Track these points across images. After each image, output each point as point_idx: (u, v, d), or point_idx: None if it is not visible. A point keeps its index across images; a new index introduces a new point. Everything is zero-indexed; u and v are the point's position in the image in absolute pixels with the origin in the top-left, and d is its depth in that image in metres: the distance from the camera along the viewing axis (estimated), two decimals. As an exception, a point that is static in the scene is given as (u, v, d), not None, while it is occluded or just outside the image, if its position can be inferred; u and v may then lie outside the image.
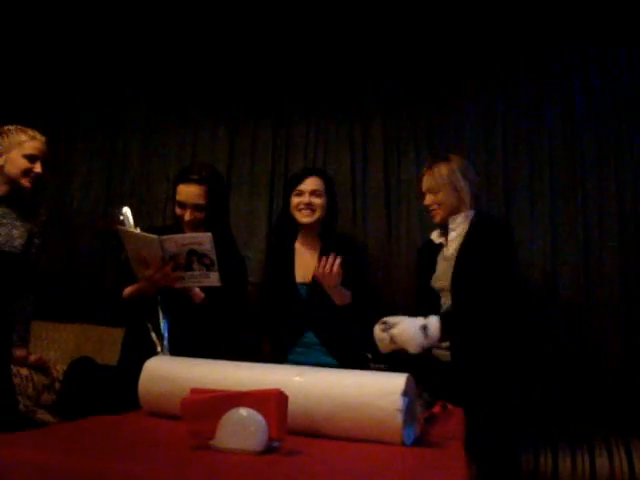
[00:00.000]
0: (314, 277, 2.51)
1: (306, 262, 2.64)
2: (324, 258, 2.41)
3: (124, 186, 3.82)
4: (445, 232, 2.53)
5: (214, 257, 2.09)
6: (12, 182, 2.48)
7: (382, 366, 2.00)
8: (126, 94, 3.88)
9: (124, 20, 3.84)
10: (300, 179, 2.68)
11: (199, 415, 1.14)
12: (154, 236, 2.10)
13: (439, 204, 2.48)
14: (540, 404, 2.77)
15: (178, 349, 2.01)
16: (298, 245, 2.72)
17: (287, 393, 1.17)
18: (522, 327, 2.40)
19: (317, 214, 2.63)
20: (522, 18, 3.35)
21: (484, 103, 3.35)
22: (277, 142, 3.58)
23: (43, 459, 1.00)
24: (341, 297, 2.52)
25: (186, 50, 3.77)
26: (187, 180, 2.41)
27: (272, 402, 1.12)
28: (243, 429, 1.10)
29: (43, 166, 2.52)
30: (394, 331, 2.16)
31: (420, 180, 2.57)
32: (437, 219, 2.52)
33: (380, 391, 1.25)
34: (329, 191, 2.70)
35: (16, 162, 2.45)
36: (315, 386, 1.32)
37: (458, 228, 2.46)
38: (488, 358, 2.29)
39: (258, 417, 1.10)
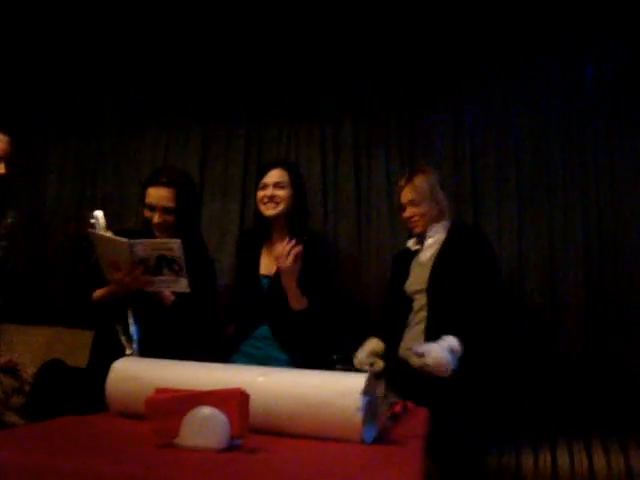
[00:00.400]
0: (277, 270, 2.50)
1: (272, 256, 2.61)
2: (287, 239, 2.42)
3: (97, 189, 3.82)
4: (421, 240, 2.60)
5: (183, 263, 2.10)
6: None
7: (348, 367, 2.04)
8: (99, 97, 3.88)
9: (96, 24, 3.84)
10: (264, 172, 2.67)
11: (163, 414, 1.17)
12: (124, 240, 2.12)
13: (421, 215, 2.56)
14: (506, 404, 2.83)
15: (147, 351, 2.02)
16: (272, 239, 2.68)
17: (250, 393, 1.21)
18: (499, 330, 2.47)
19: (281, 206, 2.59)
20: (489, 26, 3.42)
21: (453, 107, 3.41)
22: (250, 145, 3.60)
23: (5, 458, 1.02)
24: (297, 299, 2.48)
25: (159, 54, 3.78)
26: (156, 183, 2.42)
27: (234, 401, 1.15)
28: (206, 427, 1.13)
29: (8, 166, 2.47)
30: (429, 361, 2.17)
31: (399, 192, 2.63)
32: (418, 230, 2.59)
33: (341, 390, 1.29)
34: (295, 182, 2.66)
35: None
36: (277, 386, 1.35)
37: (436, 235, 2.55)
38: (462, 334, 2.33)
39: (220, 415, 1.14)
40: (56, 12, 3.83)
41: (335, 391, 1.29)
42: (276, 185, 2.60)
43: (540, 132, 3.31)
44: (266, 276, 2.62)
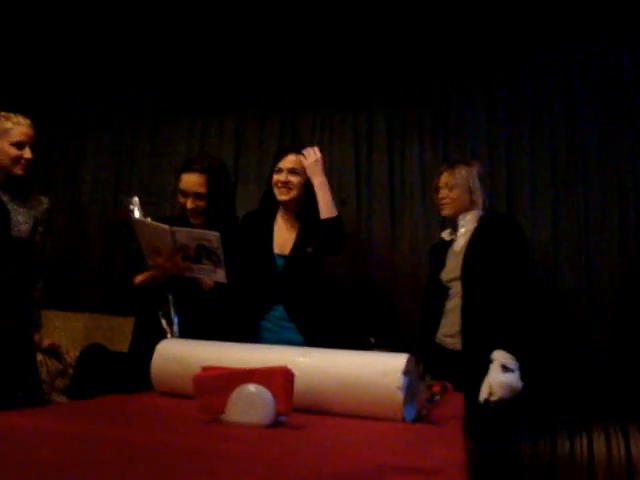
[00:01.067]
0: (294, 247, 2.56)
1: (284, 237, 2.64)
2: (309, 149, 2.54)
3: (133, 179, 3.90)
4: (455, 230, 2.65)
5: (221, 255, 2.15)
6: (4, 171, 2.50)
7: (386, 350, 2.06)
8: (134, 88, 3.95)
9: (132, 15, 3.89)
10: (280, 156, 2.68)
11: (210, 391, 1.20)
12: (166, 226, 2.16)
13: (452, 199, 2.64)
14: (542, 391, 2.83)
15: (188, 335, 2.06)
16: (278, 221, 2.70)
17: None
18: (532, 316, 2.47)
19: (293, 192, 2.60)
20: (528, 13, 3.39)
21: (487, 95, 3.41)
22: (284, 134, 3.63)
23: (52, 427, 1.06)
24: (328, 204, 2.55)
25: (192, 44, 3.83)
26: (189, 169, 2.48)
27: (279, 378, 1.18)
28: (252, 404, 1.16)
29: (32, 150, 2.51)
30: (499, 395, 2.16)
31: (439, 176, 2.73)
32: (445, 212, 2.67)
33: (382, 370, 1.31)
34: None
35: (5, 151, 2.46)
36: (319, 365, 1.38)
37: (467, 225, 2.59)
38: (503, 341, 2.35)
39: (266, 393, 1.16)
40: (95, 6, 3.89)
41: (376, 370, 1.31)
42: (291, 171, 2.61)
43: (575, 119, 3.29)
44: (280, 255, 2.62)
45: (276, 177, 2.63)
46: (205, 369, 1.26)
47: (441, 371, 2.26)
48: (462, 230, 2.62)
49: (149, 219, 2.23)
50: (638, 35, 3.29)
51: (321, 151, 3.48)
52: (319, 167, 2.56)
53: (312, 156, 2.56)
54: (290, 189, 2.60)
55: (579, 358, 3.04)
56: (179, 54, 3.87)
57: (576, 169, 3.26)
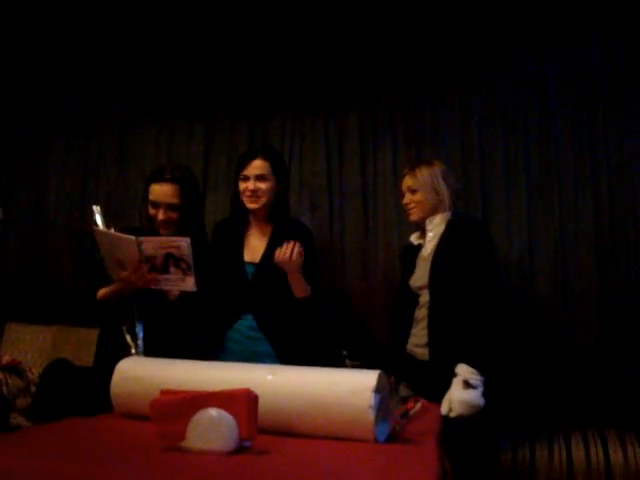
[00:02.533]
0: (264, 256, 2.48)
1: (255, 245, 2.55)
2: (285, 243, 2.34)
3: (100, 187, 3.78)
4: (423, 234, 2.58)
5: (191, 261, 2.07)
6: None
7: (357, 363, 2.00)
8: (100, 92, 3.84)
9: (99, 18, 3.80)
10: (245, 162, 2.54)
11: (169, 416, 1.13)
12: (132, 237, 2.08)
13: (417, 203, 2.55)
14: (518, 397, 2.80)
15: (153, 350, 1.99)
16: (249, 228, 2.60)
17: (259, 392, 1.17)
18: (502, 322, 2.42)
19: (263, 200, 2.49)
20: (494, 17, 3.36)
21: (461, 99, 3.35)
22: (254, 138, 3.55)
23: (11, 462, 0.99)
24: (302, 287, 2.44)
25: (160, 48, 3.73)
26: (160, 179, 2.38)
27: (242, 402, 1.12)
28: (213, 430, 1.10)
29: None
30: (458, 412, 2.07)
31: (402, 179, 2.65)
32: (413, 217, 2.59)
33: (352, 388, 1.25)
34: (277, 172, 2.54)
35: None
36: (286, 384, 1.32)
37: (435, 229, 2.51)
38: (467, 354, 2.31)
39: (228, 417, 1.10)
40: (58, 9, 3.79)
41: (346, 389, 1.25)
42: (258, 178, 2.48)
43: (549, 121, 3.25)
44: (251, 263, 2.53)
45: (243, 185, 2.51)
46: (164, 392, 1.19)
47: (412, 382, 2.22)
48: (430, 234, 2.53)
49: (112, 230, 2.14)
50: (608, 34, 3.27)
51: (292, 155, 3.48)
52: (296, 266, 2.37)
53: (289, 254, 2.33)
54: (259, 197, 2.49)
55: (557, 365, 3.00)
56: (146, 57, 3.77)
57: (550, 174, 3.21)
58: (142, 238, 2.09)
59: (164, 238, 2.21)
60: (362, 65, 3.46)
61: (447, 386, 2.16)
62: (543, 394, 2.91)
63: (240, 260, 2.53)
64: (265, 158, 2.53)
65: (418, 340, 2.41)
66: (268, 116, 3.55)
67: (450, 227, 2.48)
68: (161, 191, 2.37)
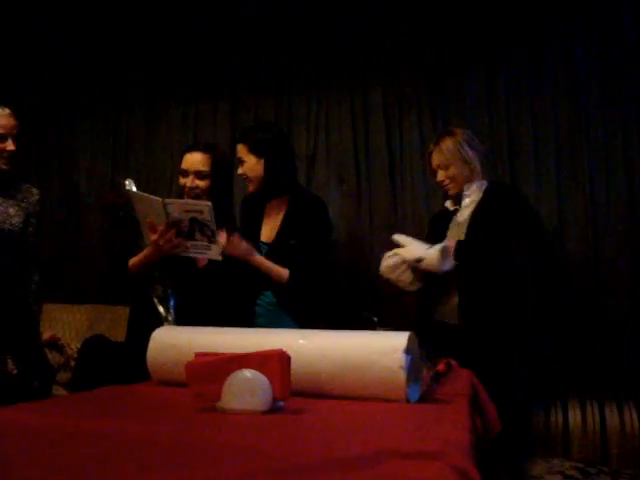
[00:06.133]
0: (277, 235, 2.47)
1: (270, 224, 2.53)
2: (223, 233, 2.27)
3: (129, 165, 3.85)
4: (459, 200, 2.56)
5: (214, 228, 2.08)
6: None
7: (389, 329, 2.01)
8: (127, 73, 3.89)
9: (118, 2, 3.82)
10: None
11: (204, 378, 1.16)
12: (158, 198, 2.11)
13: (452, 178, 2.51)
14: (549, 359, 2.79)
15: (185, 319, 2.02)
16: (268, 207, 2.58)
17: (292, 355, 1.19)
18: (536, 285, 2.42)
19: (252, 183, 2.46)
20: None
21: (486, 64, 3.32)
22: (279, 113, 3.56)
23: (53, 422, 1.03)
24: (270, 272, 2.38)
25: (184, 27, 3.75)
26: (193, 149, 2.42)
27: (275, 362, 1.14)
28: (247, 390, 1.12)
29: (14, 142, 2.39)
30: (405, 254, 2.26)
31: (429, 158, 2.60)
32: (452, 192, 2.57)
33: (382, 349, 1.27)
34: (255, 149, 2.44)
35: None
36: (319, 347, 1.34)
37: (472, 195, 2.51)
38: (498, 318, 2.32)
39: (262, 378, 1.12)
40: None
41: (377, 350, 1.27)
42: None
43: (577, 87, 3.20)
44: (265, 242, 2.52)
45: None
46: (198, 355, 1.22)
47: (443, 348, 2.23)
48: (467, 200, 2.52)
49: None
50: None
51: (317, 132, 3.46)
52: (248, 250, 2.33)
53: (238, 244, 2.30)
54: (250, 182, 2.46)
55: (588, 331, 2.98)
56: (170, 39, 3.79)
57: (580, 137, 3.17)
58: (168, 200, 2.12)
59: (189, 200, 2.25)
60: (383, 34, 3.44)
61: (478, 351, 2.18)
62: (574, 359, 2.89)
63: (257, 239, 2.52)
64: (240, 141, 2.50)
65: (446, 305, 2.42)
66: (293, 92, 3.56)
67: (487, 195, 2.48)
68: (192, 159, 2.39)
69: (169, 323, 2.03)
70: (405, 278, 2.43)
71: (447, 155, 2.49)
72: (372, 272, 3.26)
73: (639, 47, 3.16)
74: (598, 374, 2.83)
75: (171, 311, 2.06)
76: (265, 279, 2.42)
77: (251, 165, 2.46)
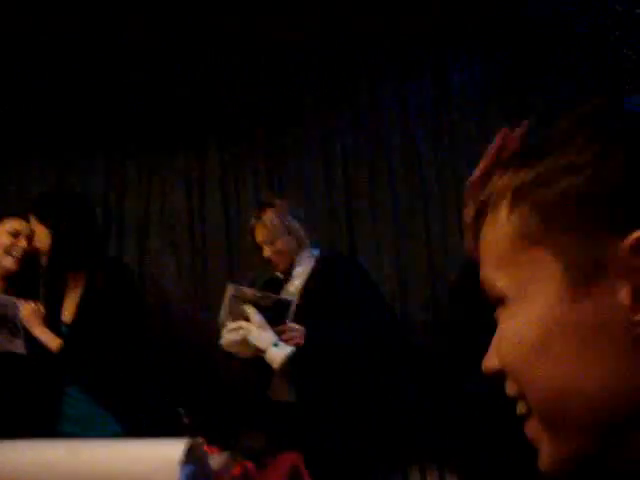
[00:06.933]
0: (76, 315, 2.27)
1: (70, 300, 2.32)
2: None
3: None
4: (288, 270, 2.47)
5: (19, 324, 2.00)
6: None
7: (197, 420, 1.87)
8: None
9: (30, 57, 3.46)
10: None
11: None
12: None
13: (280, 253, 2.38)
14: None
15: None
16: (70, 280, 2.36)
17: (55, 475, 1.02)
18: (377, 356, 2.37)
19: (43, 257, 2.30)
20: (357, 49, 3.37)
21: (322, 124, 3.33)
22: (110, 182, 3.36)
23: None
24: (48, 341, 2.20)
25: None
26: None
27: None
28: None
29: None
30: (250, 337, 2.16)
31: (252, 232, 2.45)
32: (281, 268, 2.43)
33: (154, 465, 1.12)
34: (41, 218, 2.29)
35: None
36: (84, 465, 1.16)
37: (304, 262, 2.40)
38: (334, 395, 2.25)
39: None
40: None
41: (148, 466, 1.12)
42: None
43: (411, 144, 3.28)
44: (65, 323, 2.29)
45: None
46: None
47: (275, 428, 2.13)
48: (299, 270, 2.42)
49: None
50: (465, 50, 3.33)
51: (150, 198, 3.29)
52: (36, 318, 2.19)
53: (27, 309, 2.18)
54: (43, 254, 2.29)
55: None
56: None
57: (417, 199, 3.24)
58: None
59: None
60: (221, 102, 3.36)
61: (312, 429, 2.09)
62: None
63: (57, 321, 2.29)
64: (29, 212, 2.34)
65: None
66: (124, 157, 3.38)
67: (320, 264, 2.40)
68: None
69: None
70: (246, 353, 2.29)
71: (271, 229, 2.36)
72: (206, 338, 3.08)
73: (468, 100, 3.28)
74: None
75: None
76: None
77: (41, 237, 2.27)
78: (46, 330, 2.19)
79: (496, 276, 0.55)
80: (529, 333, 0.51)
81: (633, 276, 0.45)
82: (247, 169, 3.31)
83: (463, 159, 3.22)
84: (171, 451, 1.14)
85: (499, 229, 0.55)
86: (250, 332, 2.21)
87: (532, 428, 0.53)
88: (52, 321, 2.24)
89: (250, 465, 1.37)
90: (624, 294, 0.45)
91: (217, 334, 2.32)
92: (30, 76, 3.36)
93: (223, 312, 2.31)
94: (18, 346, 2.04)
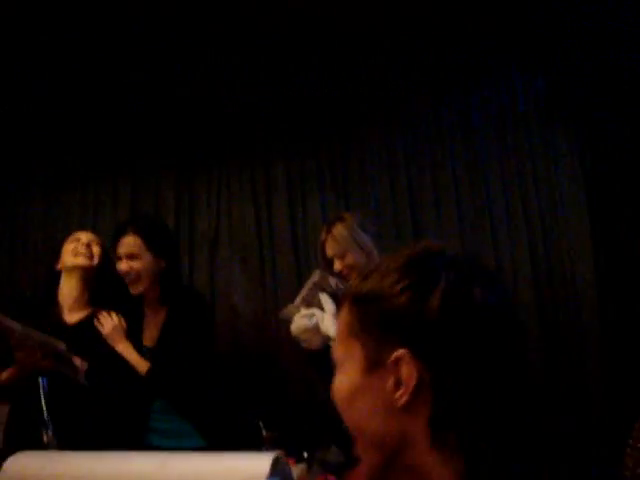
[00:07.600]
0: (158, 340, 2.34)
1: (151, 327, 2.39)
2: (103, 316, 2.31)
3: (28, 252, 3.66)
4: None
5: (72, 361, 2.08)
6: None
7: (275, 434, 1.90)
8: (25, 157, 3.74)
9: (18, 80, 3.68)
10: (115, 240, 2.35)
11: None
12: (18, 327, 2.00)
13: (350, 267, 2.38)
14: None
15: (65, 433, 1.87)
16: (146, 308, 2.42)
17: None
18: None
19: (143, 282, 2.30)
20: (419, 55, 3.35)
21: (385, 136, 3.33)
22: (180, 193, 3.48)
23: None
24: (135, 362, 2.28)
25: (80, 106, 3.64)
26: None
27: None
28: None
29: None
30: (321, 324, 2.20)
31: (322, 246, 2.46)
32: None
33: (241, 476, 1.16)
34: (153, 245, 2.32)
35: None
36: (176, 475, 1.21)
37: None
38: None
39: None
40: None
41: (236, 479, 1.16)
42: (129, 256, 2.29)
43: (475, 156, 3.24)
44: (147, 347, 2.36)
45: (118, 266, 2.32)
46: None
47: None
48: None
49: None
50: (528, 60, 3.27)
51: (219, 210, 3.38)
52: (119, 334, 2.29)
53: (109, 323, 2.29)
54: (136, 280, 2.30)
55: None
56: (68, 117, 3.68)
57: (481, 200, 3.19)
58: (23, 331, 2.01)
59: (42, 338, 2.09)
60: (283, 113, 3.42)
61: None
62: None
63: (140, 344, 2.37)
64: (135, 232, 2.33)
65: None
66: (193, 173, 3.49)
67: None
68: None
69: (48, 440, 1.86)
70: (316, 342, 2.31)
71: (342, 243, 2.37)
72: (277, 351, 3.14)
73: (532, 112, 3.23)
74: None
75: (49, 429, 1.89)
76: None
77: (145, 263, 2.30)
78: (131, 349, 2.27)
79: (337, 346, 0.90)
80: (345, 389, 0.87)
81: (395, 374, 0.79)
82: (313, 183, 3.33)
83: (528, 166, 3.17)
84: (257, 464, 1.18)
85: (343, 316, 0.89)
86: (323, 320, 2.23)
87: (357, 447, 0.87)
88: (134, 342, 2.32)
89: (331, 478, 1.40)
90: (391, 382, 0.80)
91: (288, 320, 2.35)
92: (104, 97, 3.52)
93: (299, 297, 2.33)
94: (80, 378, 2.10)
